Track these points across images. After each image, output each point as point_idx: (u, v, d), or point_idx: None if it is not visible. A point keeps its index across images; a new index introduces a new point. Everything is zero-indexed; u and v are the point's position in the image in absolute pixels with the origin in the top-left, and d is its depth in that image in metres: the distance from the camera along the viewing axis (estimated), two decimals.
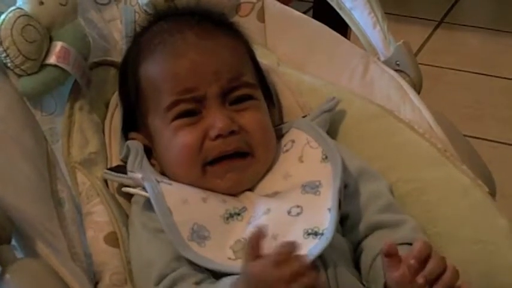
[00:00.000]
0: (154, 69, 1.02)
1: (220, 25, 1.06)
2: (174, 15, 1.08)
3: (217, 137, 0.96)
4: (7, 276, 0.78)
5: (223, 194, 0.97)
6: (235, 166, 0.97)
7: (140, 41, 1.07)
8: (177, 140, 0.98)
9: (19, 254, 0.84)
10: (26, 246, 0.85)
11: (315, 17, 1.28)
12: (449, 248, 0.95)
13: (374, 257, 0.93)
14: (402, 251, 0.85)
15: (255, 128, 0.99)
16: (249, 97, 1.01)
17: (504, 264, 0.93)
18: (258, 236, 0.79)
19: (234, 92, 1.00)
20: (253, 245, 0.79)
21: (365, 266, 0.94)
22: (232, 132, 0.97)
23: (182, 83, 0.98)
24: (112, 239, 0.96)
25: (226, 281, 0.86)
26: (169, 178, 0.99)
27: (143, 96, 1.03)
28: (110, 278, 0.93)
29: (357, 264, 0.96)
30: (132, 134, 1.04)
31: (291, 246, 0.79)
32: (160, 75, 1.01)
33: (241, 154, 0.98)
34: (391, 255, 0.84)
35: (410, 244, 0.90)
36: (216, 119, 0.97)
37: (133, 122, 1.05)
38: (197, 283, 0.88)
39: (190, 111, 0.98)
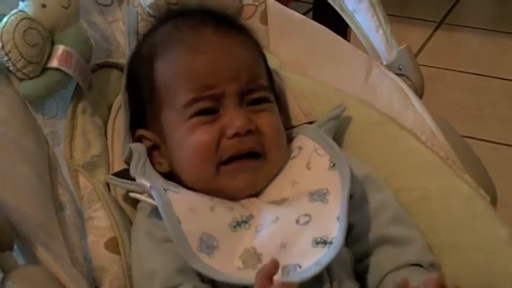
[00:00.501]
0: (172, 65, 1.01)
1: (234, 26, 1.06)
2: (186, 14, 1.07)
3: (234, 135, 0.96)
4: (9, 283, 0.78)
5: (230, 200, 0.96)
6: (249, 166, 0.97)
7: (154, 36, 1.06)
8: (194, 138, 0.97)
9: (20, 259, 0.83)
10: (26, 251, 0.85)
11: (315, 18, 1.28)
12: (450, 257, 0.95)
13: (382, 276, 0.92)
14: (411, 272, 0.84)
15: (270, 130, 0.99)
16: (265, 100, 1.01)
17: (505, 273, 0.93)
18: (271, 268, 0.80)
19: (252, 94, 1.00)
20: (265, 276, 0.80)
21: (372, 284, 0.94)
22: (248, 132, 0.96)
23: (201, 80, 0.98)
24: (113, 245, 0.95)
25: None
26: (177, 177, 0.99)
27: (158, 92, 1.01)
28: (110, 284, 0.92)
29: (357, 276, 0.96)
30: (141, 131, 1.03)
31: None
32: (179, 70, 1.00)
33: (254, 155, 0.97)
34: None
35: (420, 266, 0.91)
36: (234, 118, 0.96)
37: (141, 119, 1.04)
38: None
39: (209, 109, 0.98)
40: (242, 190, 0.97)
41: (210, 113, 0.98)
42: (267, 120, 0.99)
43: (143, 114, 1.04)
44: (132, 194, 0.97)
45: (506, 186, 1.53)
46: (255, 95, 1.00)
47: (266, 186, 1.00)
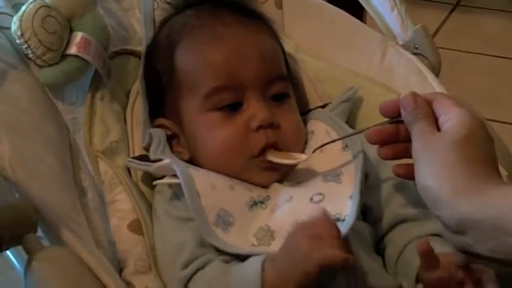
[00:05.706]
0: (194, 51, 1.00)
1: (254, 16, 1.06)
2: (204, 3, 1.06)
3: (259, 127, 0.95)
4: (34, 264, 0.79)
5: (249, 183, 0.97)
6: (274, 165, 0.96)
7: (174, 23, 1.05)
8: (219, 133, 0.96)
9: (45, 243, 0.85)
10: (51, 235, 0.86)
11: (331, 1, 1.28)
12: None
13: (401, 249, 0.92)
14: (434, 242, 0.83)
15: (290, 129, 0.98)
16: (285, 95, 1.01)
17: None
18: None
19: (273, 85, 0.99)
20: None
21: (391, 259, 0.94)
22: (271, 125, 0.96)
23: (224, 68, 0.97)
24: (136, 227, 0.96)
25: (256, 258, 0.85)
26: (197, 165, 0.98)
27: (178, 79, 1.01)
28: (135, 264, 0.94)
29: (378, 251, 0.96)
30: (160, 120, 1.03)
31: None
32: (202, 57, 0.99)
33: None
34: (427, 254, 0.81)
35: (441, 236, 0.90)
36: (258, 110, 0.96)
37: (159, 108, 1.04)
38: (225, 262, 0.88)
39: (230, 101, 0.97)
40: (264, 183, 0.97)
41: (232, 105, 0.97)
42: (288, 119, 0.99)
43: (162, 102, 1.04)
44: (156, 182, 0.97)
45: None
46: (277, 88, 1.00)
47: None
